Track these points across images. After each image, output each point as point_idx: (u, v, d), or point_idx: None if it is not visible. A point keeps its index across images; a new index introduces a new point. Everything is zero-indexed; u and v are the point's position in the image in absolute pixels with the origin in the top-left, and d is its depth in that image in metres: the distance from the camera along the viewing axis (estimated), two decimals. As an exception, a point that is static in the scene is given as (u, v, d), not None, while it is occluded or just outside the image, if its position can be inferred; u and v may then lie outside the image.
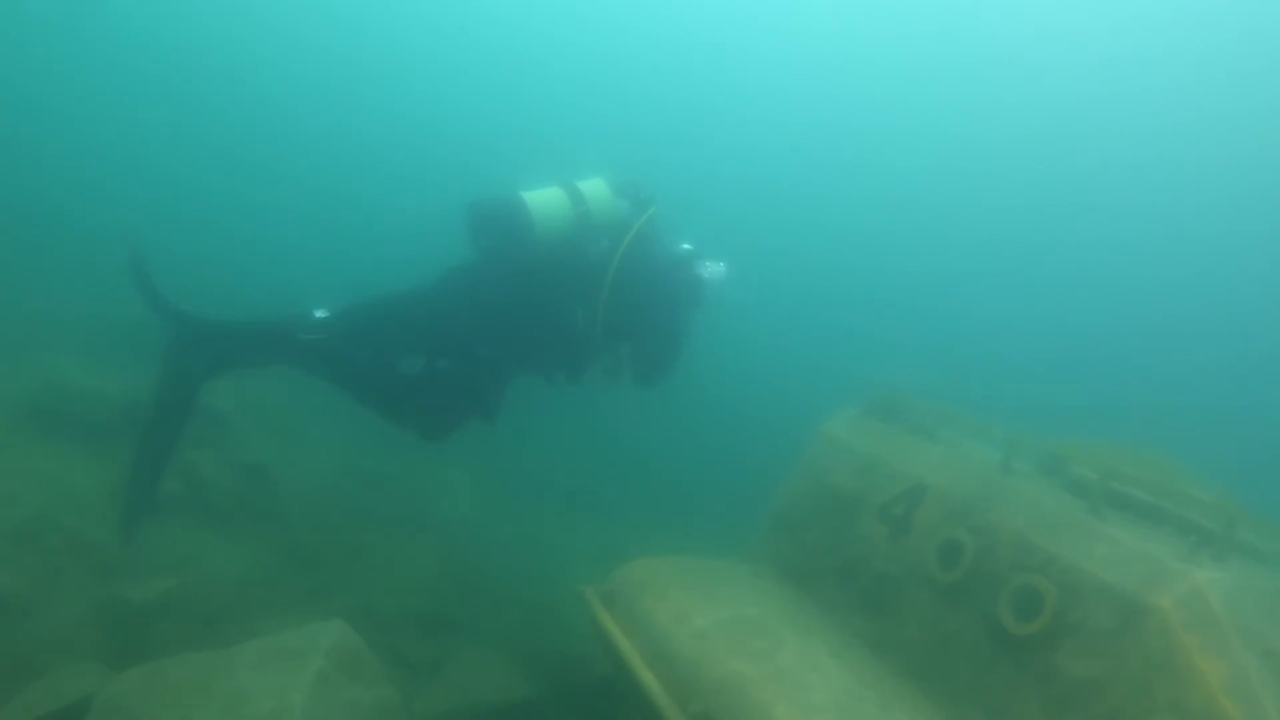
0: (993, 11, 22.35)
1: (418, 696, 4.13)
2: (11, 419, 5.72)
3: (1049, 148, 21.81)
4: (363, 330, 3.95)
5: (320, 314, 3.90)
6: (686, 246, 4.62)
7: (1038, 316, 19.72)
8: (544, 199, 4.05)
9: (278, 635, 3.58)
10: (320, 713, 3.21)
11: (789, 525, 4.46)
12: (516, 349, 4.18)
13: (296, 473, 6.58)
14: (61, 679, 3.53)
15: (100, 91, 18.59)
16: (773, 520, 4.57)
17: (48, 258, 9.66)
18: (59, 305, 8.06)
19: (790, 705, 2.96)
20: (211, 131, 18.50)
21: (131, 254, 3.71)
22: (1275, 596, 2.99)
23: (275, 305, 3.99)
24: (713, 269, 4.63)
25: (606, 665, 3.95)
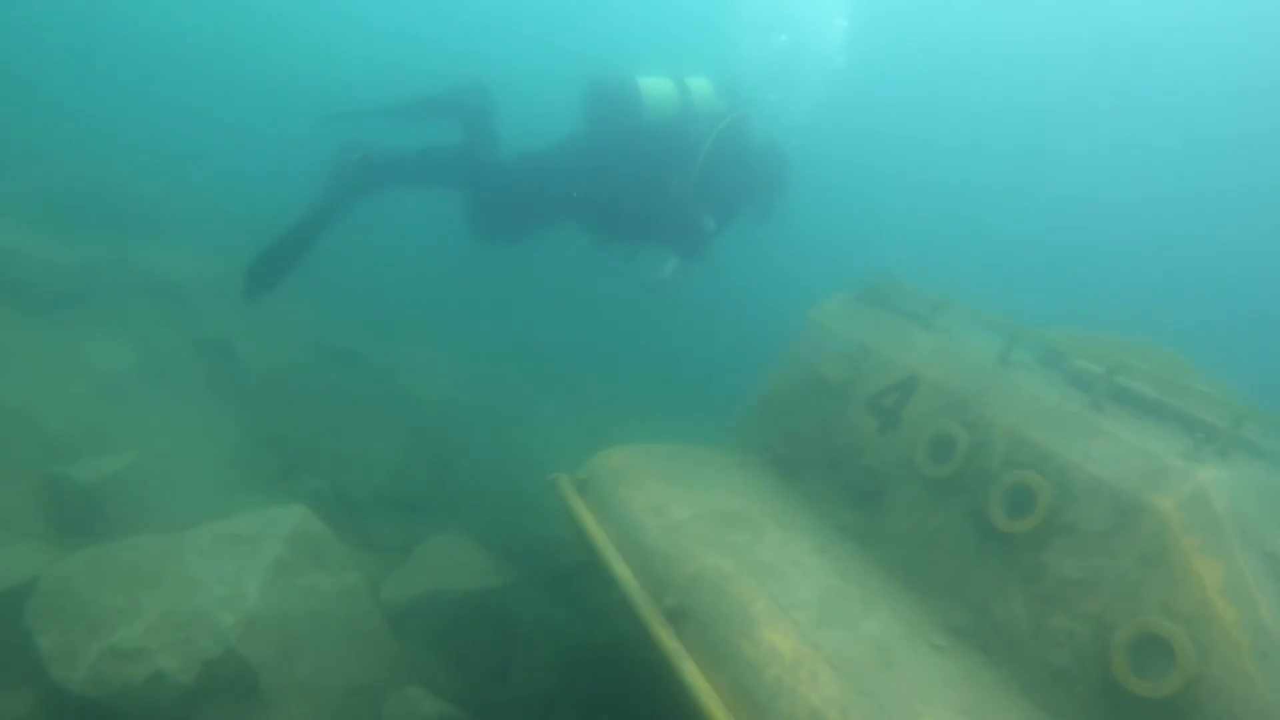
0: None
1: (385, 582, 4.03)
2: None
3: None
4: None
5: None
6: (776, 148, 4.97)
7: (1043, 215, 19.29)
8: (654, 84, 4.63)
9: (233, 519, 3.42)
10: (278, 600, 3.08)
11: (774, 415, 4.29)
12: (616, 209, 4.73)
13: (262, 349, 6.31)
14: (5, 557, 3.36)
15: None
16: (757, 409, 4.40)
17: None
18: (9, 176, 7.56)
19: (770, 601, 2.84)
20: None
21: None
22: (1278, 497, 2.86)
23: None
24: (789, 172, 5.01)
25: (581, 551, 3.84)
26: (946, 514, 3.26)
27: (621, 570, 3.12)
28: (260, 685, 2.95)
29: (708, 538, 3.23)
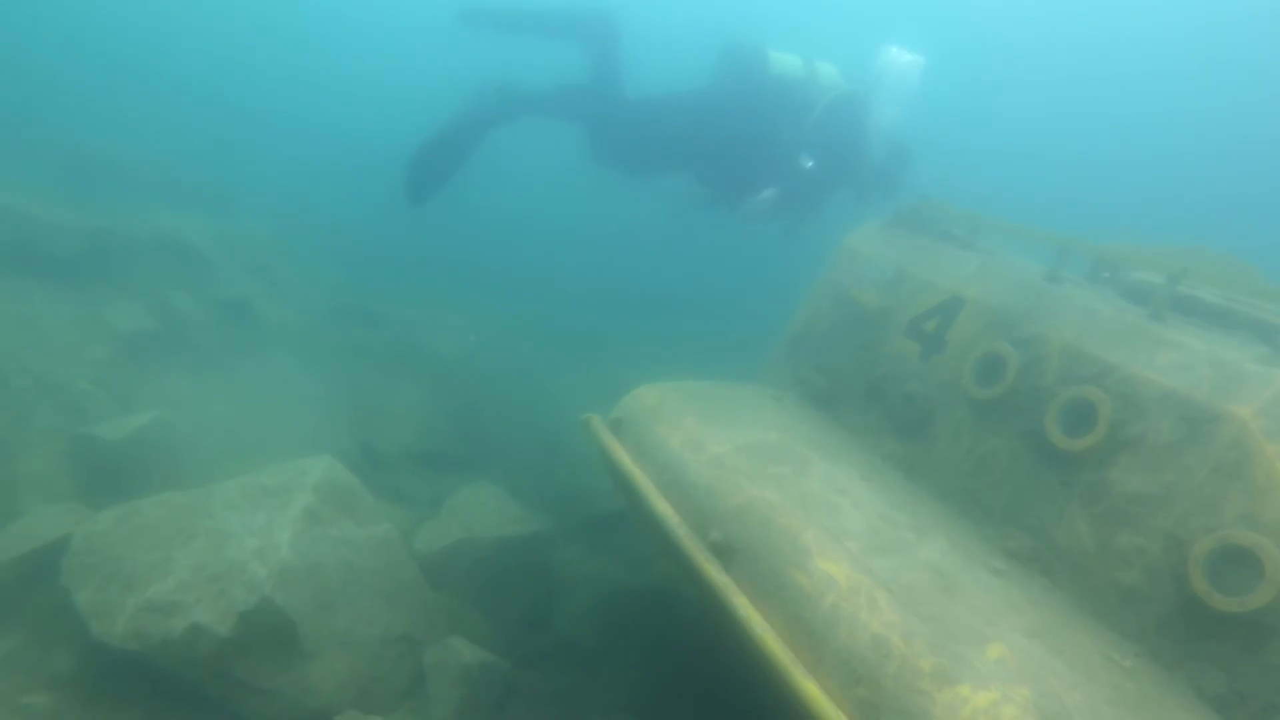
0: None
1: (417, 533, 3.94)
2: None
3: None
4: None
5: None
6: (891, 132, 5.04)
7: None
8: (782, 56, 4.95)
9: (260, 472, 3.33)
10: (310, 550, 2.99)
11: (809, 347, 4.14)
12: (729, 155, 4.96)
13: (282, 310, 6.23)
14: (38, 519, 3.30)
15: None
16: (791, 342, 4.25)
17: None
18: (9, 145, 7.45)
19: (819, 530, 2.71)
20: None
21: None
22: (1360, 402, 2.68)
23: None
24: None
25: (617, 496, 3.73)
26: (999, 437, 3.11)
27: (663, 507, 3.00)
28: (299, 635, 2.88)
29: (750, 470, 3.10)
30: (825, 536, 2.70)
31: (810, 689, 2.22)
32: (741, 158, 5.01)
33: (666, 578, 4.26)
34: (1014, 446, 3.04)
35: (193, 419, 4.35)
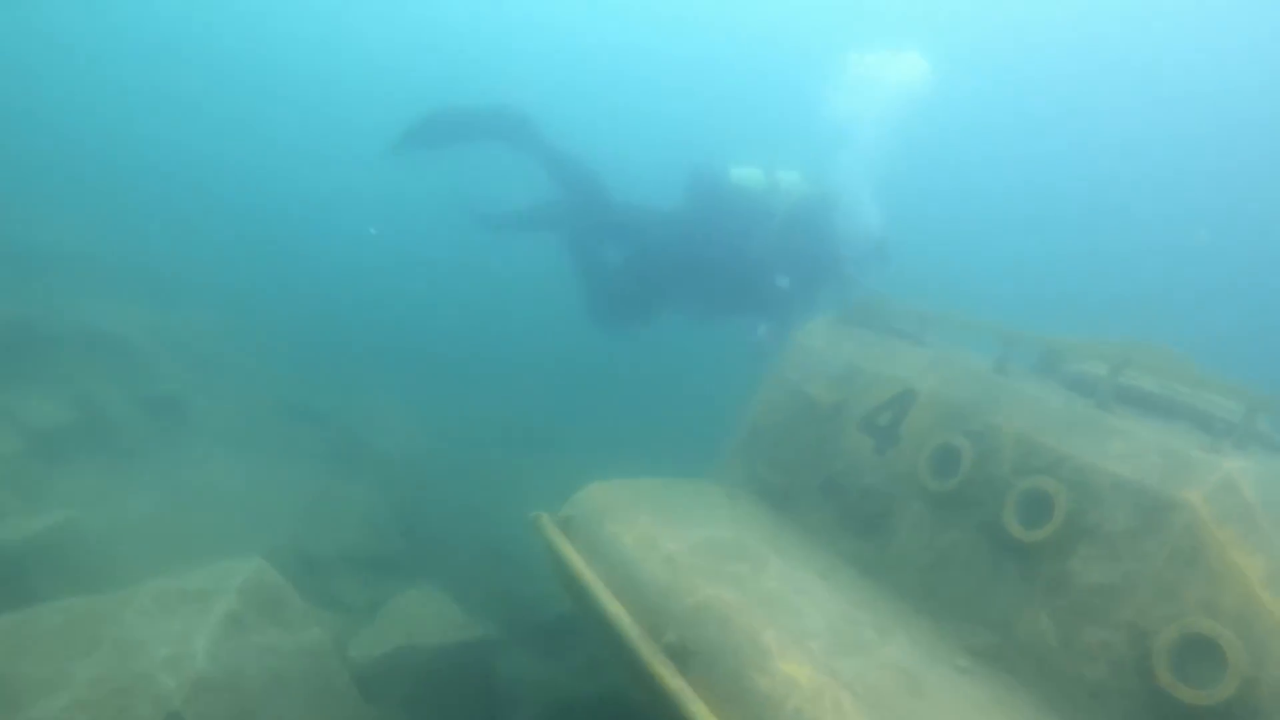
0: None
1: (352, 641, 3.68)
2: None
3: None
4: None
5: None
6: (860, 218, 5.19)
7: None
8: (743, 170, 5.20)
9: (181, 575, 3.09)
10: (230, 659, 2.75)
11: (762, 443, 4.09)
12: (706, 278, 5.21)
13: (219, 405, 5.98)
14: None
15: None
16: (744, 438, 4.19)
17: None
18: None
19: (780, 630, 2.59)
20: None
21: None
22: (1304, 489, 2.71)
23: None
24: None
25: (567, 598, 3.55)
26: (957, 530, 3.06)
27: (615, 608, 2.85)
28: (212, 758, 2.60)
29: (706, 569, 2.98)
30: (786, 637, 2.57)
31: (775, 803, 2.06)
32: (720, 290, 5.22)
33: (619, 684, 4.04)
34: (973, 539, 2.99)
35: (110, 520, 4.06)
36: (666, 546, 3.15)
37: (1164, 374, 3.12)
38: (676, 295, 5.46)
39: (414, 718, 3.55)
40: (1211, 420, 3.01)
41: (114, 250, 7.83)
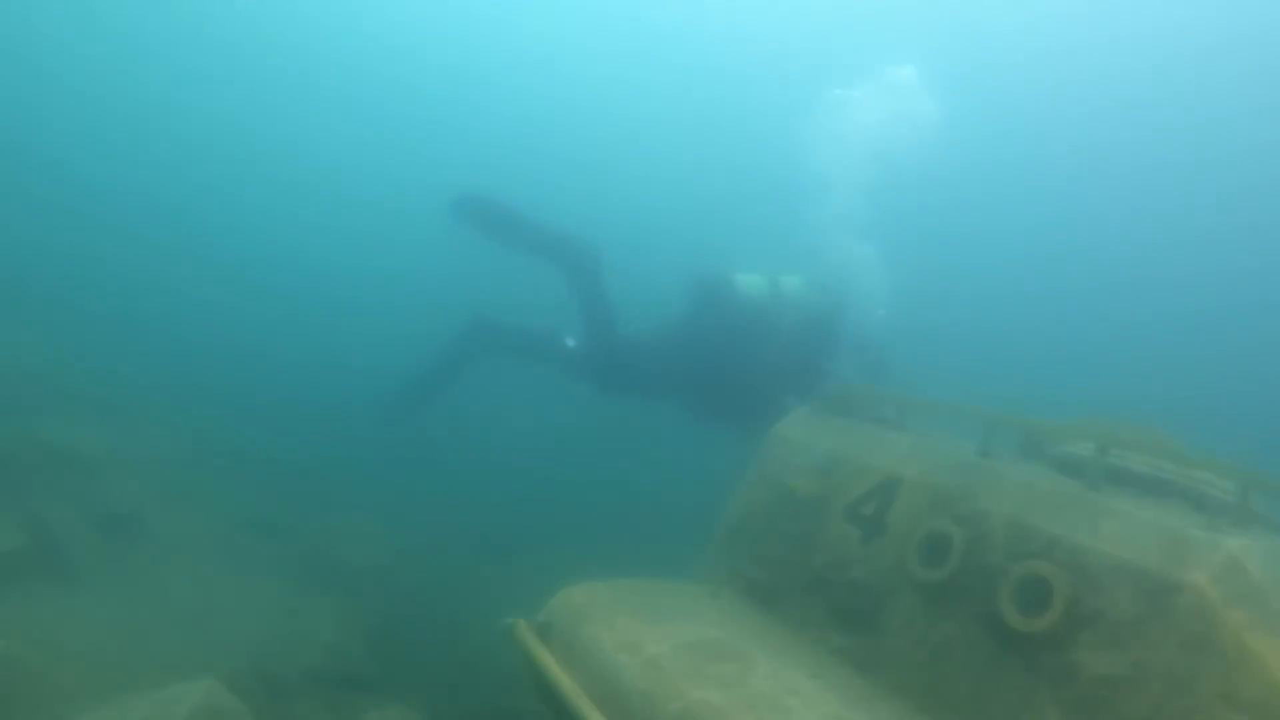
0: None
1: (314, 768, 3.40)
2: None
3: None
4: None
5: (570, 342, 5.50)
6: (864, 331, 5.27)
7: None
8: (748, 280, 5.17)
9: (124, 704, 2.85)
10: (173, 794, 2.49)
11: (744, 539, 3.96)
12: (709, 389, 5.27)
13: (180, 523, 5.73)
14: None
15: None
16: (725, 535, 4.06)
17: None
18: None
19: (772, 735, 2.41)
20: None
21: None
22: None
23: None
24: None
25: (544, 710, 3.32)
26: (952, 621, 2.91)
27: (595, 718, 2.65)
28: None
29: (692, 671, 2.80)
30: (779, 743, 2.39)
31: None
32: (723, 392, 5.21)
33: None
34: (969, 631, 2.84)
35: (52, 648, 3.77)
36: (649, 649, 2.98)
37: (1153, 452, 3.06)
38: (674, 403, 5.48)
39: None
40: (1204, 499, 2.94)
41: (73, 366, 7.66)
